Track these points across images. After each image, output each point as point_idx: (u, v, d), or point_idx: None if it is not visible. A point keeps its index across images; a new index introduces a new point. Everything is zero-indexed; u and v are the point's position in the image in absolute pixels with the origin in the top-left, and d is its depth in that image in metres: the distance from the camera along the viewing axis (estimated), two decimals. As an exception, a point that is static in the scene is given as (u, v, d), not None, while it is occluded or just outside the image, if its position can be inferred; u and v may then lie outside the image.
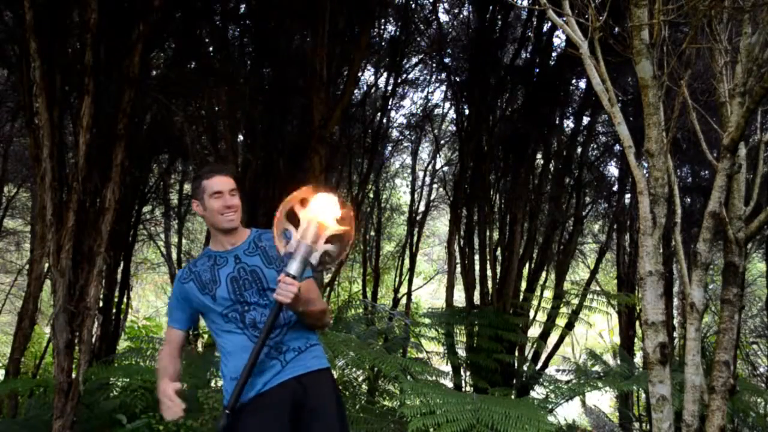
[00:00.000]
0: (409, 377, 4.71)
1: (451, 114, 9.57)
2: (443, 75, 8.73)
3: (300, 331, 2.23)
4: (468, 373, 6.14)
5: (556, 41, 7.52)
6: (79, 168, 3.96)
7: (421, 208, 10.50)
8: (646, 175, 2.87)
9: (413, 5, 7.90)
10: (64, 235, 3.91)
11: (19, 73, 4.31)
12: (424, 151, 11.14)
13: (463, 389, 6.01)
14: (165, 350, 2.35)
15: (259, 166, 6.36)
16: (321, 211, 2.02)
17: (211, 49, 6.45)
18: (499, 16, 7.30)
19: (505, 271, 6.91)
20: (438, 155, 10.51)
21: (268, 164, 6.43)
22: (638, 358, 8.95)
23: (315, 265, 2.02)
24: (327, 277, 8.49)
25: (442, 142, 10.37)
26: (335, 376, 2.31)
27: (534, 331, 7.05)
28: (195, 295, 2.24)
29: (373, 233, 10.35)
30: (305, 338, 2.24)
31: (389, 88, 8.59)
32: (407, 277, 10.26)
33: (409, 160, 11.18)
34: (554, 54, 7.47)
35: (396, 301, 10.39)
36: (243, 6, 6.85)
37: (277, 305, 1.99)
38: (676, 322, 8.38)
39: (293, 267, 1.98)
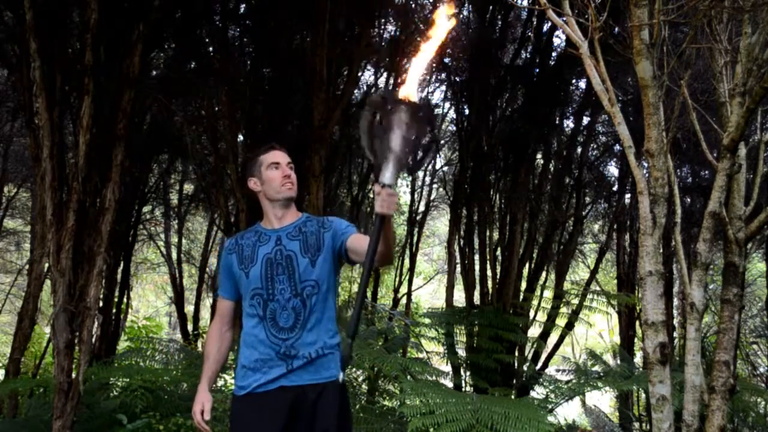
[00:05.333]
0: (409, 377, 4.71)
1: (451, 114, 9.58)
2: (443, 75, 8.73)
3: (316, 334, 2.18)
4: (468, 373, 6.14)
5: (556, 41, 7.52)
6: (79, 168, 3.96)
7: (421, 208, 10.50)
8: (646, 175, 2.88)
9: (413, 5, 7.90)
10: (64, 235, 3.91)
11: (19, 73, 4.31)
12: (424, 151, 11.12)
13: (463, 389, 6.01)
14: (215, 325, 2.37)
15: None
16: (397, 113, 1.87)
17: (211, 49, 6.45)
18: (499, 16, 7.30)
19: (505, 271, 6.91)
20: (438, 155, 10.50)
21: (268, 164, 6.42)
22: (638, 358, 8.96)
23: (410, 168, 1.92)
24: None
25: (442, 142, 10.37)
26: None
27: (534, 331, 7.05)
28: (235, 267, 2.27)
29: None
30: (320, 343, 2.19)
31: (389, 88, 8.58)
32: (407, 277, 10.26)
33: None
34: (554, 54, 7.47)
35: (396, 301, 10.39)
36: (243, 6, 6.85)
37: (380, 219, 1.89)
38: (676, 322, 8.38)
39: (388, 175, 1.86)
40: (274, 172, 2.25)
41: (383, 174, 1.87)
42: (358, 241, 2.17)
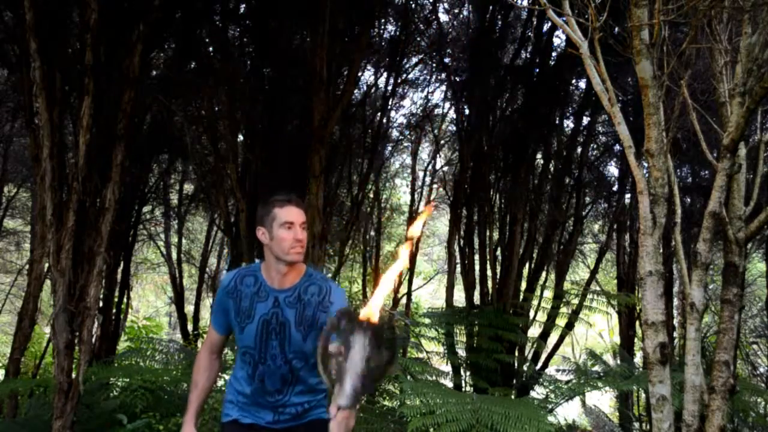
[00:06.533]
0: (409, 377, 4.71)
1: (451, 114, 9.58)
2: (443, 75, 8.73)
3: (302, 396, 2.24)
4: (468, 373, 6.14)
5: (556, 41, 7.52)
6: (79, 168, 3.96)
7: (421, 208, 10.50)
8: (646, 175, 2.87)
9: (413, 5, 7.90)
10: (64, 235, 3.90)
11: (19, 73, 4.31)
12: (424, 151, 11.16)
13: (463, 389, 6.01)
14: (204, 354, 2.37)
15: (259, 166, 6.36)
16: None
17: (211, 49, 6.45)
18: (499, 16, 7.30)
19: (505, 271, 6.91)
20: (438, 155, 10.51)
21: (268, 164, 6.43)
22: (638, 358, 8.96)
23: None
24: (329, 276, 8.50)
25: (442, 142, 10.37)
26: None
27: (534, 331, 7.05)
28: (231, 313, 2.24)
29: (373, 233, 10.35)
30: (308, 399, 2.26)
31: (389, 88, 8.59)
32: (407, 277, 10.26)
33: (409, 160, 11.19)
34: (554, 54, 7.47)
35: (396, 301, 10.39)
36: (243, 6, 6.85)
37: None
38: (676, 322, 8.38)
39: (344, 398, 1.84)
40: (286, 233, 2.15)
41: (340, 396, 1.82)
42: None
